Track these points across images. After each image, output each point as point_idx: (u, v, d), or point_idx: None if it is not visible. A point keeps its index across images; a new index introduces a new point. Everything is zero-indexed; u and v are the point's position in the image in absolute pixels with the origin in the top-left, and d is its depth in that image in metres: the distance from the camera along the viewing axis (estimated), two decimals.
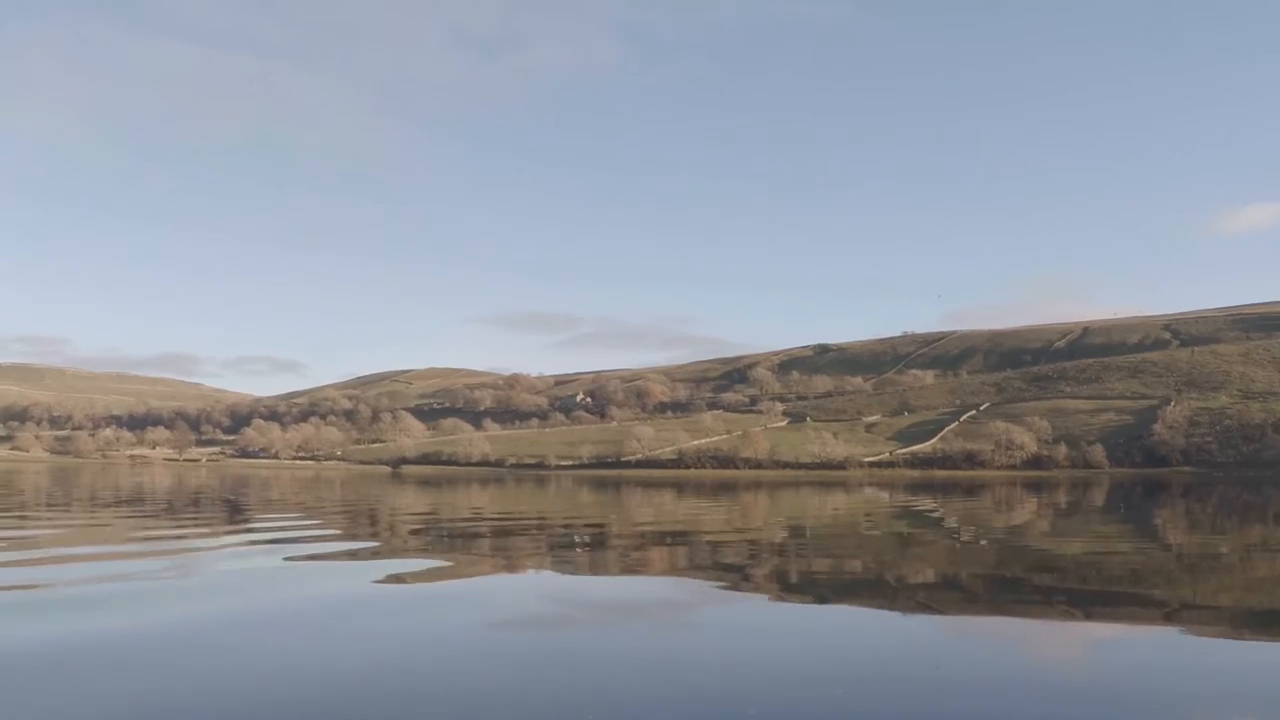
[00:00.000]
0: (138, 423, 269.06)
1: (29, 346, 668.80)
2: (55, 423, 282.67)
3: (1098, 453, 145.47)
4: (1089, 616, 15.11)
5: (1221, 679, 10.93)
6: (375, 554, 23.33)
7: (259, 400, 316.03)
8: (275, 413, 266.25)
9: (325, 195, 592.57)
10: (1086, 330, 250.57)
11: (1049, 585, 18.86)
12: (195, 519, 36.47)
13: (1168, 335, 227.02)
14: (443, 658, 11.52)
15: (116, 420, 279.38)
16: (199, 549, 24.01)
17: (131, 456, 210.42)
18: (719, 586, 17.90)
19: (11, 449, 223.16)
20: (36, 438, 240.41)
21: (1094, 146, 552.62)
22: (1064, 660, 12.11)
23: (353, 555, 22.86)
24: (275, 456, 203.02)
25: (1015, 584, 19.23)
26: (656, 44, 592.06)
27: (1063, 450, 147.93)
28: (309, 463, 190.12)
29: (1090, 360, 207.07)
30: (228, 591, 16.38)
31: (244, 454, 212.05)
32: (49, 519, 35.30)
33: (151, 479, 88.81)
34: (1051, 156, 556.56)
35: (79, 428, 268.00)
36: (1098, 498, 65.18)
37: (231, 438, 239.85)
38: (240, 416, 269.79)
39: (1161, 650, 12.49)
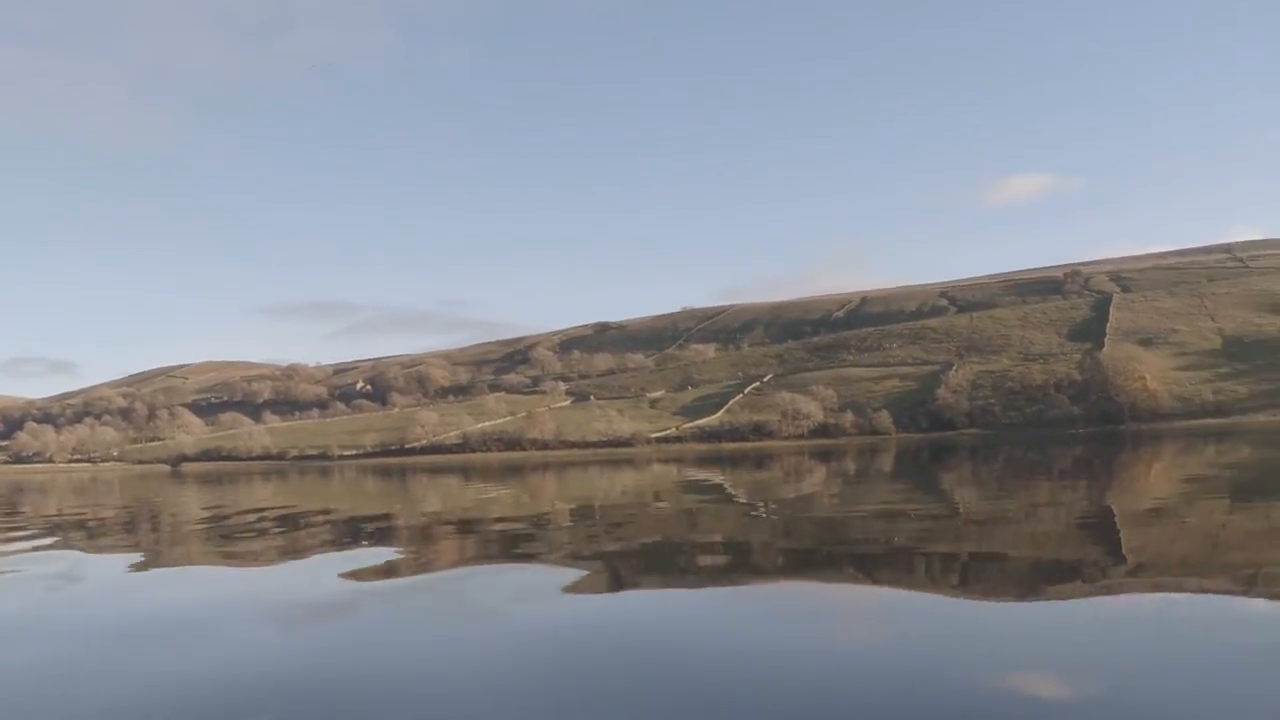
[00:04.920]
0: None
1: None
2: None
3: (884, 419, 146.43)
4: (879, 580, 14.68)
5: (1012, 636, 10.77)
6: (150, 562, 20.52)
7: (32, 403, 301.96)
8: (49, 415, 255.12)
9: (95, 188, 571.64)
10: (865, 300, 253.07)
11: (840, 552, 18.02)
12: None
13: (945, 302, 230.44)
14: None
15: None
16: None
17: None
18: (512, 574, 16.81)
19: None
20: None
21: (863, 119, 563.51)
22: (858, 625, 11.89)
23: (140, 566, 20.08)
24: (50, 460, 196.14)
25: (807, 553, 18.52)
26: (426, 27, 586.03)
27: (849, 418, 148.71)
28: (86, 465, 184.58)
29: (871, 329, 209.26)
30: None
31: (18, 459, 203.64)
32: None
33: None
34: (822, 130, 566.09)
35: None
36: (885, 463, 63.92)
37: (5, 443, 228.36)
38: (13, 421, 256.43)
39: (953, 610, 12.31)
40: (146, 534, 28.94)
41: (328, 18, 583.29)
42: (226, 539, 25.78)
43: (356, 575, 16.73)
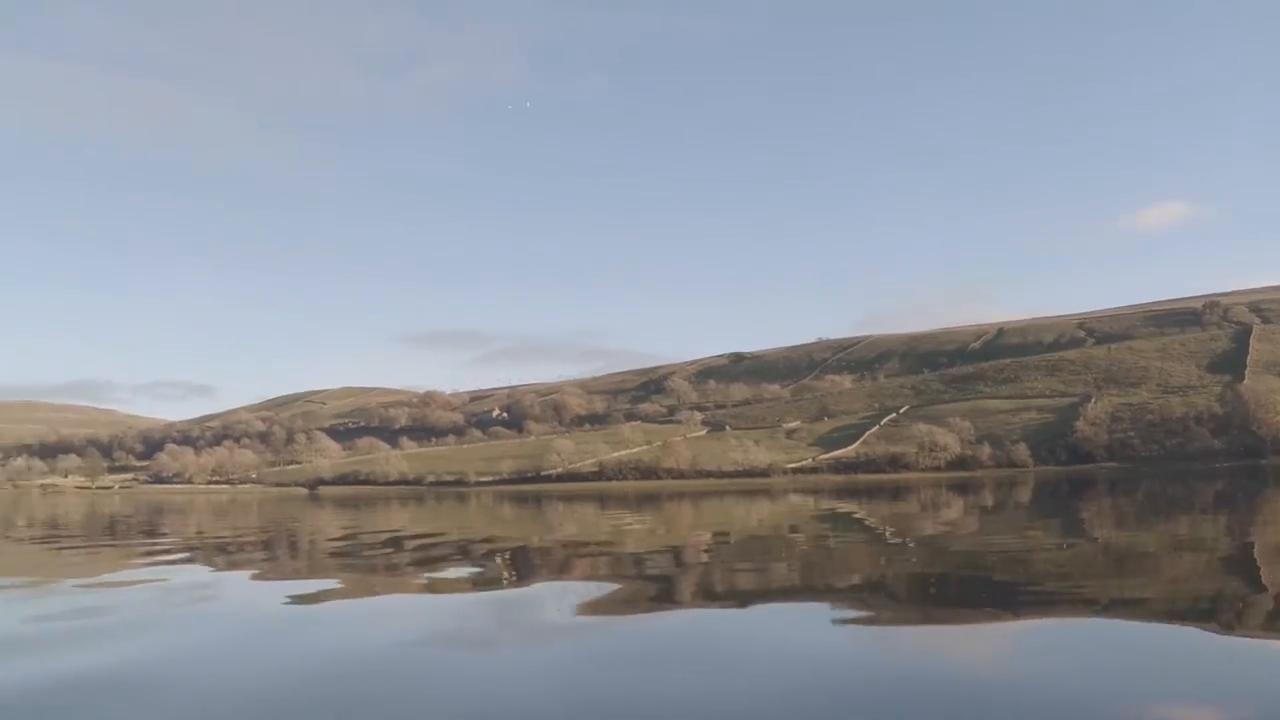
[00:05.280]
0: (49, 451, 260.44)
1: None
2: None
3: (1021, 451, 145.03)
4: (1021, 615, 14.62)
5: (1162, 670, 10.70)
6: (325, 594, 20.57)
7: (172, 425, 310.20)
8: (189, 437, 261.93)
9: (234, 217, 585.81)
10: (1001, 331, 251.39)
11: (979, 584, 18.47)
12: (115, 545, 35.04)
13: (1082, 334, 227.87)
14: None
15: (27, 449, 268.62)
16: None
17: (43, 485, 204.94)
18: (649, 602, 17.12)
19: None
20: None
21: (999, 147, 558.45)
22: (1002, 661, 11.65)
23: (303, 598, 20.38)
24: (189, 481, 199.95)
25: (944, 585, 18.63)
26: (558, 58, 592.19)
27: (986, 450, 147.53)
28: (224, 486, 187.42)
29: (1007, 360, 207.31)
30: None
31: (158, 479, 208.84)
32: None
33: (65, 508, 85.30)
34: (953, 155, 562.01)
35: None
36: (1024, 495, 64.20)
37: (145, 463, 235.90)
38: (153, 442, 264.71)
39: (1099, 646, 12.12)
40: (294, 558, 29.95)
41: (459, 50, 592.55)
42: (414, 566, 25.69)
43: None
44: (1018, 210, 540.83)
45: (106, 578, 22.91)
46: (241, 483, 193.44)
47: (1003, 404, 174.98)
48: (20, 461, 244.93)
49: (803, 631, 14.10)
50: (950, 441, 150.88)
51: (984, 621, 14.45)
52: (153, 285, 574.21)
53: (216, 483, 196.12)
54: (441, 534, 40.48)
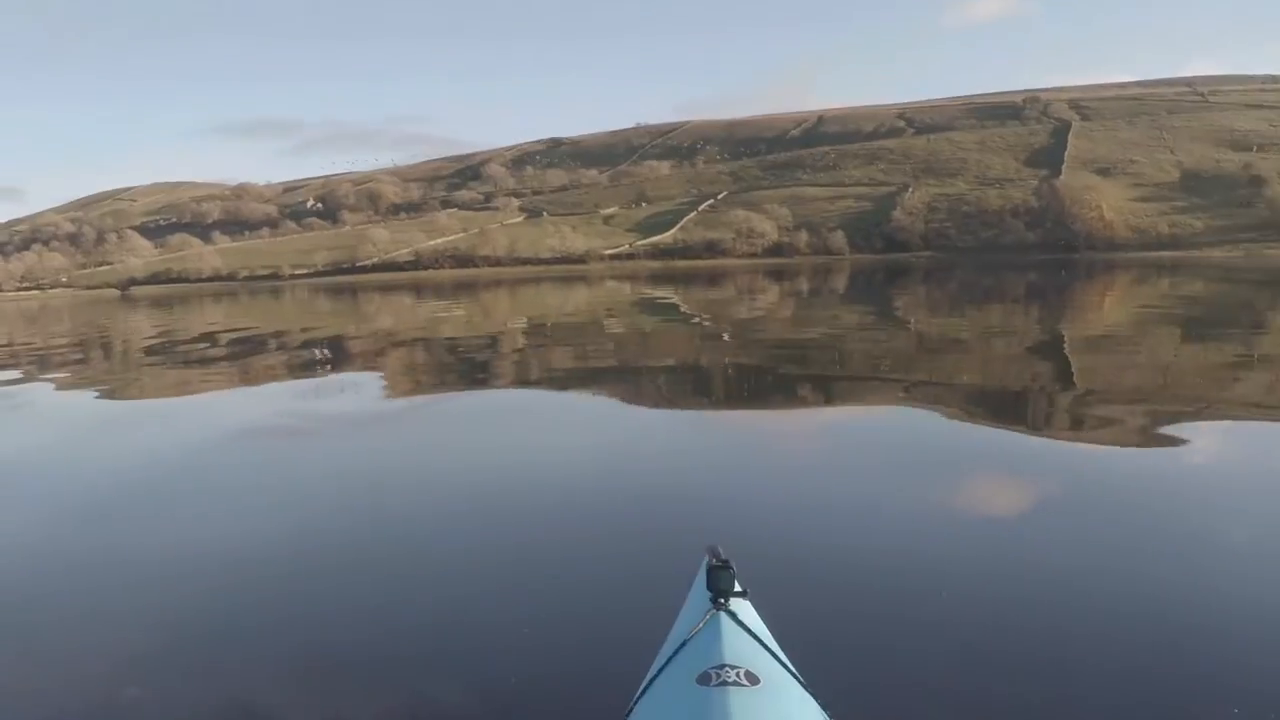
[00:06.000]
0: None
1: None
2: None
3: (838, 239, 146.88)
4: (832, 400, 15.22)
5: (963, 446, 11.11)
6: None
7: None
8: None
9: (31, 15, 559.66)
10: (821, 119, 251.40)
11: (791, 372, 18.42)
12: None
13: (902, 124, 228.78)
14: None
15: None
16: None
17: None
18: (464, 388, 18.04)
19: None
20: None
21: None
22: (810, 441, 12.11)
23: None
24: None
25: (757, 371, 18.80)
26: None
27: (804, 237, 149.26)
28: (34, 292, 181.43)
29: (827, 148, 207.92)
30: None
31: None
32: None
33: None
34: None
35: None
36: (839, 283, 64.54)
37: None
38: None
39: (900, 428, 12.61)
40: (109, 362, 28.91)
41: None
42: (228, 361, 25.95)
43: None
44: (842, 5, 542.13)
45: None
46: (52, 287, 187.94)
47: (821, 192, 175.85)
48: None
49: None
50: (768, 228, 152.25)
51: (797, 407, 14.76)
52: None
53: (26, 289, 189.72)
54: (255, 329, 40.41)
